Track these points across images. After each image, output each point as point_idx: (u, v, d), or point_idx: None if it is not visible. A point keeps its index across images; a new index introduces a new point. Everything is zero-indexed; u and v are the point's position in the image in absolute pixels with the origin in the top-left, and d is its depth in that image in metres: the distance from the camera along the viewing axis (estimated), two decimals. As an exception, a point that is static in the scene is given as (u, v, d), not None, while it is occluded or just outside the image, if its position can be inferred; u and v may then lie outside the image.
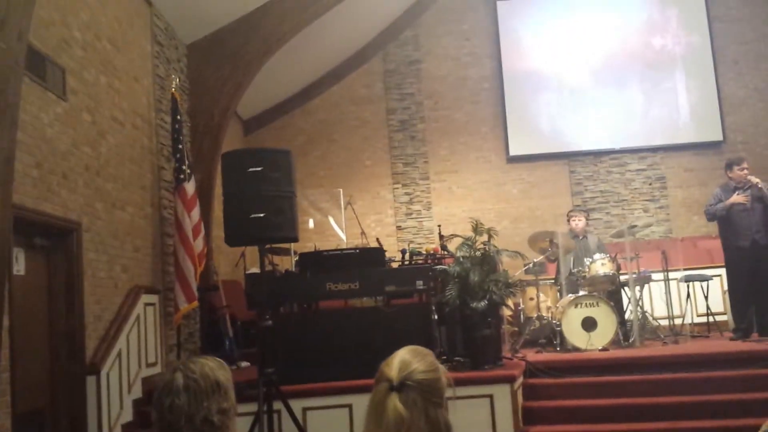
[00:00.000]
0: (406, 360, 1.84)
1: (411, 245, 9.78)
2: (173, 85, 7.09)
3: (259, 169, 5.05)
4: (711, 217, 7.16)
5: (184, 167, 6.78)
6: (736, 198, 6.89)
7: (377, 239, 8.99)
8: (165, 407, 1.82)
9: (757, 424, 1.91)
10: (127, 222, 6.24)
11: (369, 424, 1.82)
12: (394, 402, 1.76)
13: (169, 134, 7.15)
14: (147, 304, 6.42)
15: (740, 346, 6.59)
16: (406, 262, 7.48)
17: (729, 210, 6.93)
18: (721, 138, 11.19)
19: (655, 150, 11.27)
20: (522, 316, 7.98)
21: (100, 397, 5.41)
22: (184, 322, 7.15)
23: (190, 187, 6.82)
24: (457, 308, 5.97)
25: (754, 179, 6.86)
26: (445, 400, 1.87)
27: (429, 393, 1.79)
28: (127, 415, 5.90)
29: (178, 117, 6.89)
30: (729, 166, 7.12)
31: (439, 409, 1.81)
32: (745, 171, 6.94)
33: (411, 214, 11.45)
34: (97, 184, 5.68)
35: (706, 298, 8.00)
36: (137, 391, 6.09)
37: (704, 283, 8.06)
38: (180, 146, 6.81)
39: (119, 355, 5.78)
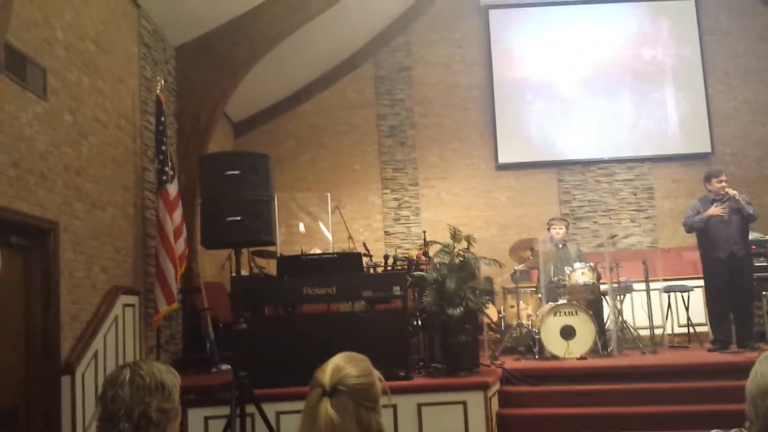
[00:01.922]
0: (339, 365, 1.87)
1: (398, 251, 9.82)
2: (158, 87, 7.12)
3: (236, 172, 5.08)
4: (689, 228, 7.19)
5: (166, 168, 6.80)
6: (714, 210, 6.93)
7: (364, 244, 9.00)
8: (108, 398, 1.86)
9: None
10: (107, 222, 6.25)
11: (302, 429, 1.86)
12: (326, 407, 1.79)
13: (153, 135, 7.17)
14: (126, 305, 6.43)
15: (717, 357, 6.62)
16: (389, 268, 7.52)
17: (707, 222, 6.97)
18: (709, 150, 11.25)
19: (643, 160, 11.33)
20: (503, 323, 8.02)
21: (74, 397, 5.41)
22: (165, 323, 7.17)
23: (172, 188, 6.84)
24: (435, 315, 5.99)
25: (732, 191, 6.90)
26: (380, 405, 1.90)
27: (361, 398, 1.82)
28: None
29: (162, 118, 6.91)
30: (707, 179, 7.17)
31: (372, 414, 1.84)
32: (723, 183, 6.98)
33: (399, 219, 11.48)
34: (76, 184, 5.69)
35: (687, 308, 8.03)
36: (114, 392, 6.07)
37: (685, 294, 8.08)
38: (163, 147, 6.83)
39: (95, 355, 5.78)
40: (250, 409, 5.08)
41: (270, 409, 5.22)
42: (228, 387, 5.12)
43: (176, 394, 1.95)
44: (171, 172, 6.91)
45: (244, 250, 7.11)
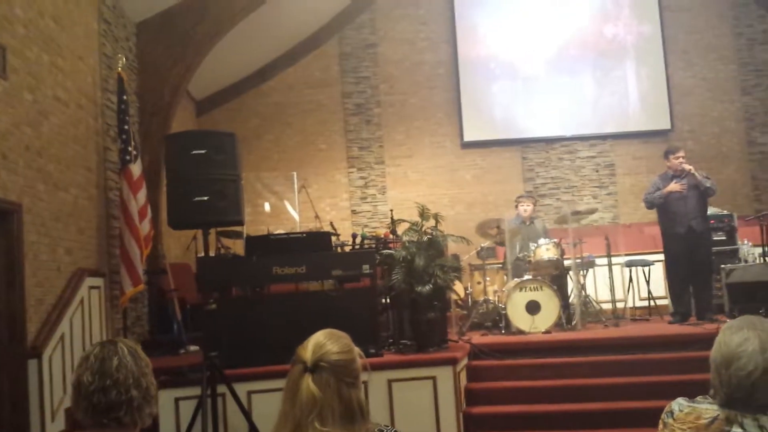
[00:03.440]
0: (321, 342, 1.90)
1: (365, 229, 9.84)
2: (120, 65, 6.97)
3: (203, 151, 5.04)
4: (650, 205, 7.35)
5: (129, 148, 6.68)
6: (673, 186, 7.07)
7: (331, 223, 9.01)
8: (112, 366, 1.87)
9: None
10: (70, 204, 6.14)
11: (284, 405, 1.88)
12: (308, 382, 1.82)
13: (116, 114, 7.03)
14: (92, 287, 6.35)
15: (677, 329, 6.80)
16: (357, 247, 7.53)
17: (666, 198, 7.12)
18: (669, 126, 11.46)
19: (605, 137, 11.51)
20: (470, 299, 8.12)
21: (42, 381, 5.35)
22: (131, 305, 7.09)
23: (136, 168, 6.73)
24: (405, 292, 6.04)
25: (688, 167, 7.06)
26: (360, 380, 1.93)
27: (342, 374, 1.86)
28: (70, 399, 5.83)
29: (124, 97, 6.77)
30: (666, 155, 7.32)
31: (353, 389, 1.87)
32: (681, 159, 7.13)
33: (366, 198, 11.50)
34: (38, 165, 5.57)
35: (648, 282, 8.22)
36: (81, 375, 6.01)
37: (646, 268, 8.27)
38: (126, 127, 6.71)
39: (62, 338, 5.71)
40: (221, 389, 5.08)
41: (241, 388, 5.23)
42: (198, 367, 5.12)
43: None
44: (134, 152, 6.78)
45: (211, 231, 7.05)
